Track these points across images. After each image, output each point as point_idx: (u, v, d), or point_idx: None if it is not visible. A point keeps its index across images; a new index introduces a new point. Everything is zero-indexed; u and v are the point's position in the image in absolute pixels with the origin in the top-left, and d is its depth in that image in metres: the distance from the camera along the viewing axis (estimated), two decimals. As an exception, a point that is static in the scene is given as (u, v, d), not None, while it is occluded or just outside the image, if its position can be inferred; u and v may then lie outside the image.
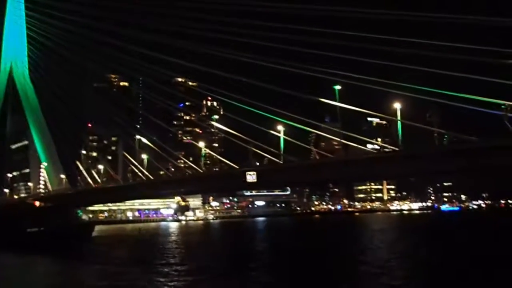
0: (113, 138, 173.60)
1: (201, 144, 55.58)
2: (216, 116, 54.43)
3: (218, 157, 50.71)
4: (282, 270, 37.56)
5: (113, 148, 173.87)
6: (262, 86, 45.01)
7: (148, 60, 62.32)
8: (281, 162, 39.81)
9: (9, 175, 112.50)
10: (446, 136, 34.63)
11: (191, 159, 62.27)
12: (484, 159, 29.44)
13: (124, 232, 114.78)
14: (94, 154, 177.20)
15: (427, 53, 31.16)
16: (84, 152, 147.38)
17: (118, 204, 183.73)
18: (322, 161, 38.76)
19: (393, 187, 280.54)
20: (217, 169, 52.90)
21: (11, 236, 65.01)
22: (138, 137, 68.54)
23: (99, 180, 71.19)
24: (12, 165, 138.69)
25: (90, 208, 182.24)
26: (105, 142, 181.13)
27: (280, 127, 44.15)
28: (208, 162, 52.46)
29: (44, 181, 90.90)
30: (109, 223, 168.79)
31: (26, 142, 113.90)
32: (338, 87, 35.92)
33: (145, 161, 62.56)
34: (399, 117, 36.66)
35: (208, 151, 54.72)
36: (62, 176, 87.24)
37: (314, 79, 37.90)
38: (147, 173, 58.00)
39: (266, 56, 44.23)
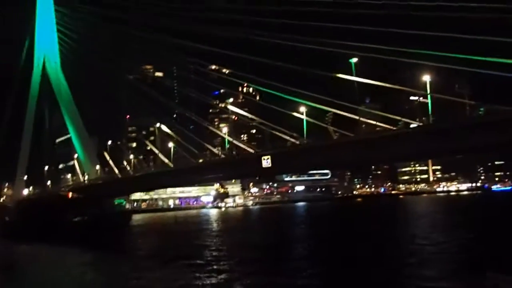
0: (151, 129, 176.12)
1: (225, 130, 54.10)
2: (230, 99, 52.53)
3: (236, 142, 49.01)
4: (322, 259, 34.93)
5: (152, 138, 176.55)
6: (289, 68, 42.74)
7: (181, 49, 61.74)
8: (299, 143, 37.31)
9: (46, 168, 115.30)
10: (481, 109, 31.17)
11: (215, 147, 60.82)
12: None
13: (162, 221, 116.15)
14: (134, 144, 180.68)
15: (453, 15, 27.59)
16: (122, 143, 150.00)
17: (159, 192, 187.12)
18: (339, 141, 35.82)
19: (439, 167, 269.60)
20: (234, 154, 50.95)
21: (45, 226, 66.45)
22: (157, 125, 67.66)
23: (129, 169, 71.43)
24: (58, 158, 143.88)
25: (133, 197, 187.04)
26: (144, 132, 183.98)
27: (302, 108, 41.87)
28: (234, 148, 50.79)
29: (78, 172, 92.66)
30: (150, 211, 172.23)
31: (69, 136, 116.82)
32: (354, 59, 32.94)
33: (172, 149, 61.94)
34: (429, 91, 33.45)
35: (228, 137, 52.88)
36: (97, 167, 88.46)
37: (331, 56, 35.08)
38: (167, 161, 57.12)
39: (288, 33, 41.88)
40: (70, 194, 74.83)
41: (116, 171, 72.23)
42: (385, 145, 31.54)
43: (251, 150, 42.61)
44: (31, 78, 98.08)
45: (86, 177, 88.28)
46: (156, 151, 61.11)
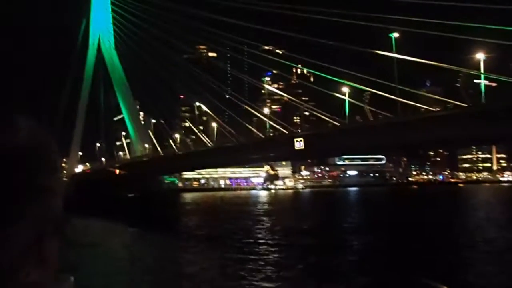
0: (204, 109, 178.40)
1: (266, 111, 52.79)
2: (267, 78, 50.98)
3: (271, 123, 47.51)
4: (373, 251, 32.82)
5: (204, 118, 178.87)
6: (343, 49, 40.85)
7: (234, 29, 61.42)
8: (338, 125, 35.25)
9: (98, 145, 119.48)
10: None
11: (257, 128, 59.76)
12: None
13: (211, 200, 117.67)
14: (187, 124, 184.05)
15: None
16: (175, 122, 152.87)
17: (211, 172, 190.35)
18: (374, 123, 33.25)
19: (504, 156, 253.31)
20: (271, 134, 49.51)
21: (94, 201, 68.95)
22: (197, 104, 67.27)
23: (174, 148, 72.15)
24: (115, 136, 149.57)
25: (186, 176, 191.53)
26: (197, 112, 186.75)
27: (345, 89, 39.76)
28: (270, 130, 49.66)
29: (126, 150, 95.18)
30: (202, 190, 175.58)
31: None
32: (395, 34, 30.20)
33: (215, 130, 61.64)
34: (482, 70, 30.21)
35: (264, 118, 51.49)
36: (146, 145, 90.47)
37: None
38: (206, 141, 56.71)
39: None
40: (117, 171, 76.95)
41: (159, 149, 73.20)
42: (427, 128, 28.78)
43: (286, 132, 40.99)
44: (86, 58, 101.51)
45: (128, 155, 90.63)
46: (195, 130, 60.89)
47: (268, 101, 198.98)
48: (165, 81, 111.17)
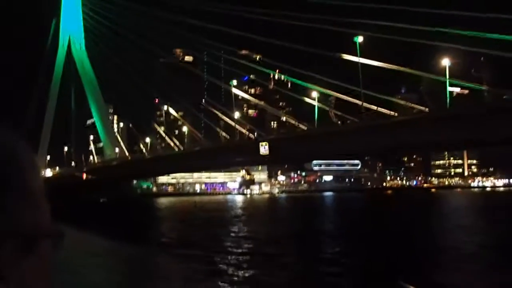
0: (180, 113, 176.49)
1: (237, 115, 51.95)
2: (234, 82, 50.52)
3: (239, 127, 46.70)
4: (346, 256, 32.14)
5: (180, 123, 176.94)
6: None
7: (211, 34, 60.89)
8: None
9: (66, 149, 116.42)
10: (505, 96, 27.62)
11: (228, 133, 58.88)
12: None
13: (186, 205, 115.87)
14: (162, 128, 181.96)
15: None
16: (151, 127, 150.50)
17: (186, 177, 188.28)
18: (340, 128, 32.86)
19: (475, 162, 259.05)
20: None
21: (59, 207, 66.52)
22: (165, 108, 66.14)
23: (144, 152, 70.59)
24: (85, 140, 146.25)
25: (160, 181, 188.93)
26: (172, 117, 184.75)
27: (314, 94, 39.33)
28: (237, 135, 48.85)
29: (94, 155, 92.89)
30: (176, 195, 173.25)
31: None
32: (360, 38, 29.83)
33: (186, 134, 60.45)
34: (447, 76, 30.08)
35: (233, 123, 50.52)
36: (117, 150, 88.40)
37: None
38: (173, 145, 55.46)
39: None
40: (84, 176, 74.79)
41: (127, 153, 71.54)
42: (388, 132, 28.46)
43: (252, 137, 40.23)
44: (55, 59, 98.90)
45: (96, 159, 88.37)
46: (166, 135, 59.74)
47: (245, 106, 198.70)
48: (139, 85, 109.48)
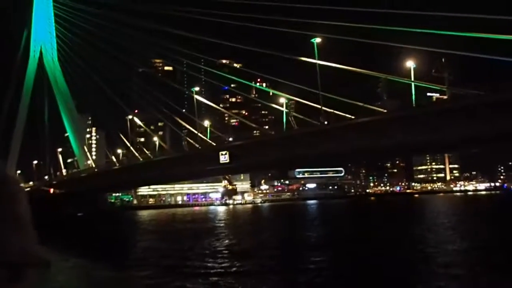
0: (159, 123, 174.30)
1: (206, 123, 50.47)
2: (196, 88, 49.19)
3: (201, 135, 45.20)
4: (332, 263, 30.81)
5: (160, 133, 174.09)
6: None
7: (190, 44, 59.59)
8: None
9: (35, 162, 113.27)
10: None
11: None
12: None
13: (165, 218, 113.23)
14: (142, 139, 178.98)
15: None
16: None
17: (167, 189, 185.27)
18: (294, 132, 31.54)
19: (456, 166, 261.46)
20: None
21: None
22: (129, 117, 64.37)
23: (116, 163, 68.41)
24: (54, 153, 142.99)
25: (141, 193, 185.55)
26: (152, 127, 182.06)
27: (282, 100, 38.20)
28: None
29: (62, 167, 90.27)
30: (157, 207, 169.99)
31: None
32: (317, 40, 28.84)
33: (156, 144, 58.70)
34: (412, 78, 29.23)
35: (195, 130, 49.09)
36: (90, 162, 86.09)
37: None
38: (138, 156, 53.59)
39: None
40: (51, 190, 72.24)
41: (93, 164, 69.41)
42: (349, 135, 27.35)
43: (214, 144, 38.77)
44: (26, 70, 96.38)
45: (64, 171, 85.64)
46: (128, 144, 57.95)
47: (225, 115, 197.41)
48: (116, 95, 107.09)
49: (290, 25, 38.81)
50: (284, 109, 38.01)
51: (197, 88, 49.78)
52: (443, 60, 28.56)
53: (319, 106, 29.48)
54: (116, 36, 76.99)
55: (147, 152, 62.26)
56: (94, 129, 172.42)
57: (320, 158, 42.10)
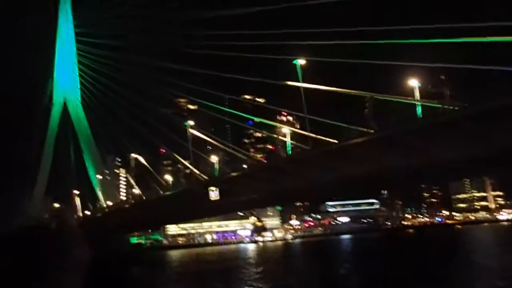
0: (186, 162, 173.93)
1: (214, 158, 48.41)
2: (191, 122, 47.64)
3: (195, 170, 42.95)
4: None
5: (187, 171, 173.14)
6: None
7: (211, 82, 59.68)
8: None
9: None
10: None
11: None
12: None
13: (198, 258, 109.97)
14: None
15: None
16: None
17: (195, 227, 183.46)
18: (276, 162, 28.54)
19: (500, 193, 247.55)
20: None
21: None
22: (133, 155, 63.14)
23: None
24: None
25: (170, 232, 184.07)
26: (179, 166, 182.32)
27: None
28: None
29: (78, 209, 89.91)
30: (188, 247, 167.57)
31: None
32: (301, 61, 26.68)
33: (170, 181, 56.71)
34: (417, 97, 26.47)
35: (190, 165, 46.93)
36: (109, 202, 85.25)
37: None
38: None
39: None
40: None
41: (104, 204, 68.39)
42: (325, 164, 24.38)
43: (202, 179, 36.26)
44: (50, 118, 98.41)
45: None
46: (133, 182, 56.71)
47: (252, 150, 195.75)
48: (142, 136, 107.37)
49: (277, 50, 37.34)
50: (288, 139, 35.51)
51: (191, 122, 48.11)
52: (442, 77, 25.85)
53: (306, 133, 27.10)
54: (139, 78, 77.80)
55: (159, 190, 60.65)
56: (122, 170, 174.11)
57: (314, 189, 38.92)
